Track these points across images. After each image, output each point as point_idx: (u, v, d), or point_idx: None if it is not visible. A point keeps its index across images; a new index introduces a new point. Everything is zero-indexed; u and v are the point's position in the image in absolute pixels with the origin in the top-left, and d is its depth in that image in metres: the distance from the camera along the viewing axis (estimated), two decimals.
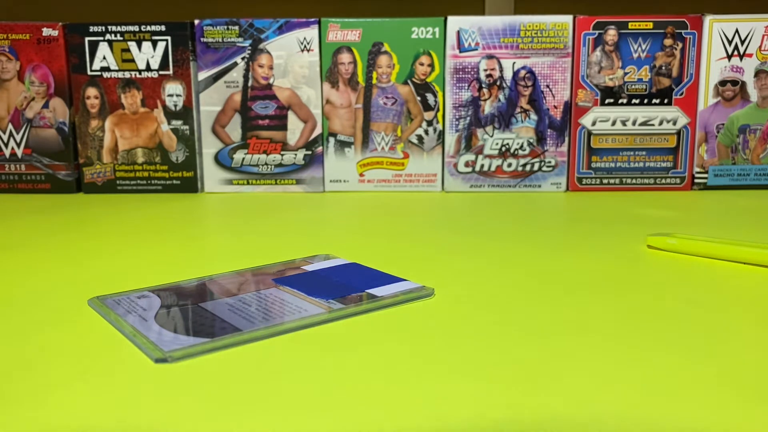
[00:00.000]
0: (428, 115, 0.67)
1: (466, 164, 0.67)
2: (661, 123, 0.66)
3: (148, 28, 0.65)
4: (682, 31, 0.65)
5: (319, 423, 0.23)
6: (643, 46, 0.65)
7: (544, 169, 0.67)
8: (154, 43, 0.65)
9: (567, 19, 0.65)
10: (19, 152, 0.68)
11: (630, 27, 0.65)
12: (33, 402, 0.25)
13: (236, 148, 0.67)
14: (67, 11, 0.85)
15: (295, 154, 0.67)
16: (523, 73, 0.66)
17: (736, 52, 0.65)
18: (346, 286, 0.37)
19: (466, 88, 0.66)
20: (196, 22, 0.66)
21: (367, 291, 0.36)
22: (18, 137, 0.67)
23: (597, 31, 0.65)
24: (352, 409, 0.24)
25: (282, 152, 0.67)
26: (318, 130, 0.67)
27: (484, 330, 0.32)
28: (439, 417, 0.23)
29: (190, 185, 0.68)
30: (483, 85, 0.66)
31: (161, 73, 0.66)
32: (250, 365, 0.28)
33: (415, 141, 0.67)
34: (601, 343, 0.30)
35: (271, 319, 0.32)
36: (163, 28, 0.65)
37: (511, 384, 0.26)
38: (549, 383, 0.26)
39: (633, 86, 0.66)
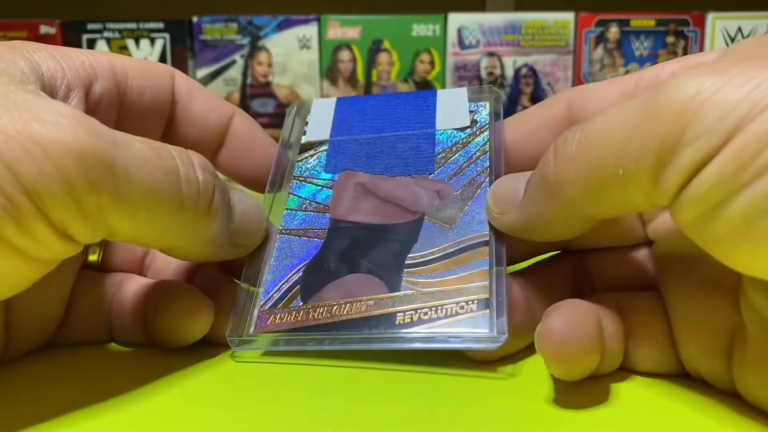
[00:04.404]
0: None
1: None
2: None
3: (146, 25, 0.65)
4: (685, 29, 0.64)
5: (318, 424, 0.22)
6: (645, 44, 0.65)
7: None
8: (152, 41, 0.65)
9: (568, 17, 0.64)
10: None
11: (632, 24, 0.64)
12: (29, 402, 0.24)
13: None
14: (65, 9, 0.85)
15: None
16: (524, 71, 0.65)
17: None
18: None
19: (467, 85, 0.65)
20: (195, 19, 0.65)
21: None
22: None
23: (599, 29, 0.64)
24: (350, 408, 0.23)
25: None
26: None
27: None
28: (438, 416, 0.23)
29: None
30: (484, 83, 0.65)
31: None
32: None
33: None
34: None
35: None
36: (161, 25, 0.65)
37: (511, 382, 0.25)
38: (550, 382, 0.25)
39: None
